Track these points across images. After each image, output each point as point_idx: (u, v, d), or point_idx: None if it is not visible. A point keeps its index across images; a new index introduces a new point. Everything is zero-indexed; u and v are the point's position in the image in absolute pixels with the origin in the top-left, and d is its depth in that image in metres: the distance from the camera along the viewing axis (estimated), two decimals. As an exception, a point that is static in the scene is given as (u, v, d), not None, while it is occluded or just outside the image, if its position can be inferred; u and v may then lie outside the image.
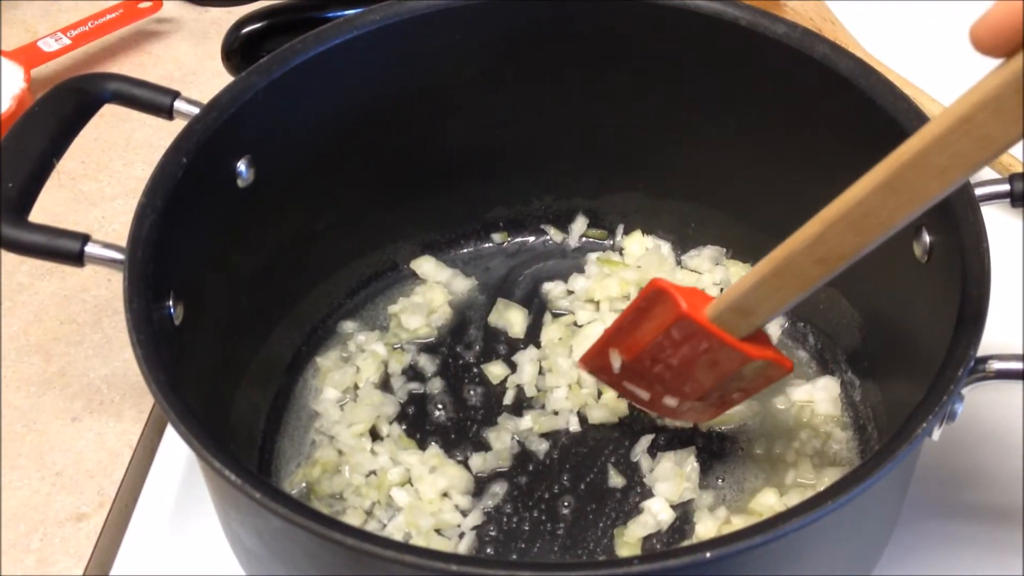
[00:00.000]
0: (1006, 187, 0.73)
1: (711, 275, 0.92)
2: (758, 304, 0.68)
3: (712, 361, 0.72)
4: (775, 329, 0.89)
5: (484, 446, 0.83)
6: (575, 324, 0.90)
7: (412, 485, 0.81)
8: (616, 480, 0.81)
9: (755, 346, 0.71)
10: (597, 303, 0.91)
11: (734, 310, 0.69)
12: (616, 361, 0.78)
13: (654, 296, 0.73)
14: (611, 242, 0.96)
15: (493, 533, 0.79)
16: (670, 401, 0.78)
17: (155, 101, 0.79)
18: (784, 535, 0.57)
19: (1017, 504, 0.81)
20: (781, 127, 0.83)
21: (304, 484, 0.81)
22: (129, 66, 1.14)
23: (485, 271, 0.95)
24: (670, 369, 0.75)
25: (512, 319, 0.90)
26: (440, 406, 0.86)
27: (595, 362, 0.81)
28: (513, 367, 0.88)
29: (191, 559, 0.80)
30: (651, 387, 0.78)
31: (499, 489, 0.81)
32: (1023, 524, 0.79)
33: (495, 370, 0.88)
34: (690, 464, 0.80)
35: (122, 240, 0.70)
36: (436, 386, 0.87)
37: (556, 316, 0.91)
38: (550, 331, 0.89)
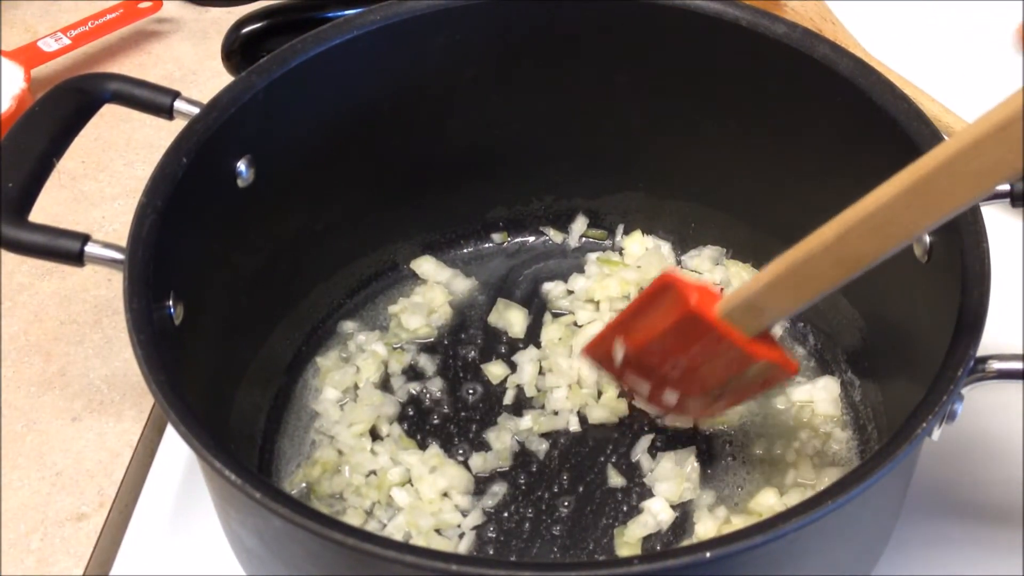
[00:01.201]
0: (1006, 187, 0.73)
1: (711, 275, 0.92)
2: (770, 303, 0.67)
3: (718, 359, 0.71)
4: (776, 329, 0.88)
5: (484, 446, 0.83)
6: (575, 324, 0.90)
7: (412, 485, 0.81)
8: (616, 480, 0.81)
9: (763, 346, 0.70)
10: (597, 303, 0.91)
11: (745, 308, 0.68)
12: (620, 351, 0.77)
13: (664, 289, 0.72)
14: (611, 242, 0.96)
15: (493, 533, 0.79)
16: (670, 396, 0.77)
17: (155, 101, 0.79)
18: (784, 535, 0.57)
19: (1017, 504, 0.81)
20: (781, 127, 0.83)
21: (304, 484, 0.81)
22: (129, 66, 1.14)
23: (485, 271, 0.95)
24: (674, 364, 0.74)
25: (512, 319, 0.90)
26: (440, 406, 0.86)
27: (598, 351, 0.80)
28: (513, 367, 0.88)
29: (191, 559, 0.80)
30: (652, 381, 0.77)
31: (499, 489, 0.81)
32: (1023, 524, 0.79)
33: (495, 370, 0.88)
34: (690, 464, 0.80)
35: (122, 240, 0.70)
36: (436, 386, 0.87)
37: (556, 316, 0.91)
38: (550, 331, 0.89)
